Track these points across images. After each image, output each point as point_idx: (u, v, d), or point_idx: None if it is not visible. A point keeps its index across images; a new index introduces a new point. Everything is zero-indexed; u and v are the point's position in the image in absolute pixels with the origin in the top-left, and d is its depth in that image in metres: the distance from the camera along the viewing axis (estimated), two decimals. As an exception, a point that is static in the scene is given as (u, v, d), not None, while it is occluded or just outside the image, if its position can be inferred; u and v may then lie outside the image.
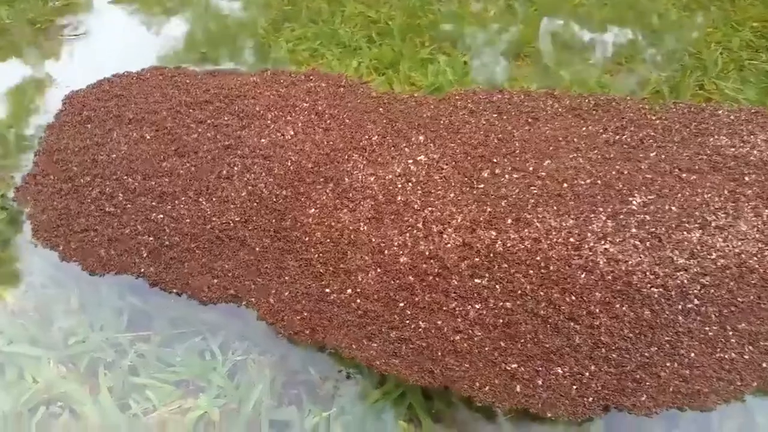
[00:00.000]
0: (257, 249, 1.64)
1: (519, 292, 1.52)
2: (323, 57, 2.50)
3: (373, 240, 1.64)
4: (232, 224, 1.70)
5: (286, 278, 1.57)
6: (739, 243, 1.66)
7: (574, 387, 1.35)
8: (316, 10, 2.80)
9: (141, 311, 1.59)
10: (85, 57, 2.57)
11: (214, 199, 1.76)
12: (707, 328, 1.46)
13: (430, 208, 1.74)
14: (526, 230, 1.66)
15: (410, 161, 1.89)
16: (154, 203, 1.77)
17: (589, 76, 2.41)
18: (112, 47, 2.60)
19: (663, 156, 1.93)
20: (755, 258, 1.63)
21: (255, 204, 1.74)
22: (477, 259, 1.60)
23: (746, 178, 1.87)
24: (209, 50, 2.60)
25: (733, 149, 1.97)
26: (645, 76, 2.41)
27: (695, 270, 1.58)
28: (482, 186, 1.80)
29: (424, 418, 1.38)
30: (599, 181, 1.81)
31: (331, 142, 1.95)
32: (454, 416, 1.39)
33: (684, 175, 1.87)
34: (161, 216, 1.73)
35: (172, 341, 1.54)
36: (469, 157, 1.90)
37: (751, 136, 2.03)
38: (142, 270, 1.61)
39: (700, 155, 1.95)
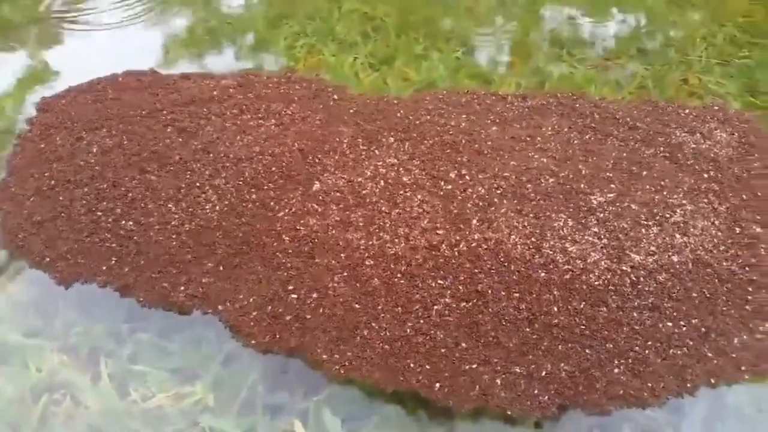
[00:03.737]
0: (226, 255, 1.68)
1: (481, 292, 1.57)
2: (320, 53, 2.54)
3: (341, 243, 1.68)
4: (200, 230, 1.73)
5: (254, 284, 1.61)
6: (696, 239, 1.72)
7: (532, 385, 1.40)
8: (313, 6, 2.83)
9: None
10: (82, 55, 2.58)
11: (183, 204, 1.79)
12: (661, 325, 1.51)
13: (397, 210, 1.78)
14: (489, 231, 1.71)
15: (380, 163, 1.93)
16: (123, 210, 1.79)
17: (576, 72, 2.45)
18: (109, 44, 2.63)
19: (625, 154, 1.98)
20: (711, 254, 1.69)
21: (225, 209, 1.78)
22: (441, 260, 1.64)
23: (705, 175, 1.92)
24: (205, 47, 2.64)
25: (694, 146, 2.03)
26: (631, 71, 2.46)
27: (652, 267, 1.63)
28: (449, 187, 1.84)
29: (409, 399, 1.45)
30: (561, 181, 1.86)
31: (303, 146, 1.98)
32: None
33: (645, 172, 1.92)
34: (130, 223, 1.76)
35: (169, 331, 1.60)
36: (437, 159, 1.94)
37: (712, 133, 2.08)
38: (110, 279, 1.64)
39: (663, 153, 2.00)
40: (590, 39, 2.67)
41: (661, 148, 2.02)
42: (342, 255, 1.66)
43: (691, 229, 1.74)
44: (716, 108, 2.21)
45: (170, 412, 1.46)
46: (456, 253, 1.65)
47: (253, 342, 1.50)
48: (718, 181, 1.90)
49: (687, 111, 2.18)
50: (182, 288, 1.61)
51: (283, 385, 1.50)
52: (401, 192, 1.83)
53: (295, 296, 1.57)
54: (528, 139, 2.02)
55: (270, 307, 1.56)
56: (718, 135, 2.08)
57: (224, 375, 1.53)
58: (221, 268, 1.65)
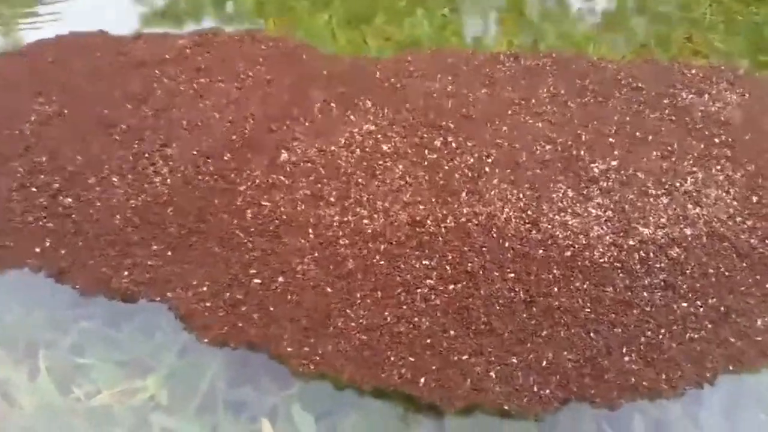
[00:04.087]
0: (177, 234, 1.46)
1: (471, 273, 1.37)
2: (292, 10, 2.32)
3: (311, 220, 1.48)
4: (148, 206, 1.52)
5: (210, 268, 1.40)
6: (710, 209, 1.53)
7: (531, 378, 1.21)
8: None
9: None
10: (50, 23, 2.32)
11: (130, 177, 1.57)
12: (675, 306, 1.33)
13: (376, 183, 1.58)
14: (480, 204, 1.51)
15: (356, 130, 1.72)
16: (61, 185, 1.57)
17: (576, 30, 2.25)
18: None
19: (628, 118, 1.79)
20: (727, 225, 1.50)
21: (178, 183, 1.56)
22: (426, 238, 1.45)
23: (716, 140, 1.74)
24: (171, 6, 2.40)
25: (702, 108, 1.84)
26: (633, 30, 2.26)
27: (662, 241, 1.45)
28: (434, 156, 1.65)
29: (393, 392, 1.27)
30: (560, 148, 1.67)
31: (270, 111, 1.77)
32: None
33: (651, 137, 1.73)
34: (69, 199, 1.54)
35: (118, 318, 1.40)
36: (420, 125, 1.74)
37: (721, 95, 1.89)
38: (44, 263, 1.42)
39: (669, 116, 1.81)
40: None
41: (667, 111, 1.83)
42: (312, 233, 1.45)
43: (704, 199, 1.56)
44: (724, 68, 2.02)
45: (118, 411, 1.28)
46: (443, 230, 1.45)
47: (207, 336, 1.29)
48: (730, 146, 1.72)
49: (693, 71, 1.99)
50: (126, 273, 1.39)
51: (248, 379, 1.31)
52: (380, 162, 1.62)
53: (258, 281, 1.37)
54: (521, 102, 1.82)
55: (228, 294, 1.35)
56: (728, 96, 1.89)
57: (179, 368, 1.33)
58: (171, 250, 1.44)
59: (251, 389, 1.30)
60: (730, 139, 1.74)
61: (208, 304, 1.33)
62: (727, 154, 1.70)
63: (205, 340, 1.28)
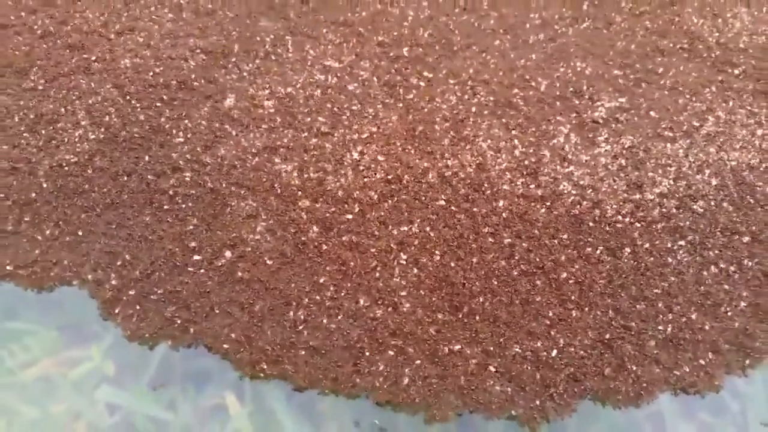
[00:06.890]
0: (98, 202, 1.18)
1: (460, 239, 1.12)
2: None
3: (265, 179, 1.20)
4: (65, 167, 1.22)
5: (138, 241, 1.13)
6: (736, 153, 1.30)
7: (538, 373, 0.98)
8: None
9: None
10: None
11: (44, 133, 1.26)
12: (705, 273, 1.11)
13: (342, 131, 1.31)
14: (467, 153, 1.26)
15: (317, 68, 1.43)
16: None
17: None
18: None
19: (633, 46, 1.54)
20: (757, 171, 1.28)
21: (101, 137, 1.26)
22: (404, 197, 1.19)
23: (736, 70, 1.50)
24: None
25: (717, 34, 1.59)
26: None
27: (684, 193, 1.22)
28: (411, 97, 1.39)
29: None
30: (558, 83, 1.41)
31: (211, 49, 1.47)
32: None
33: (661, 69, 1.48)
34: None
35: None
36: (393, 60, 1.47)
37: (739, 16, 1.64)
38: None
39: (679, 43, 1.56)
40: None
41: (677, 37, 1.57)
42: (267, 195, 1.18)
43: (729, 141, 1.33)
44: (737, -12, 1.75)
45: (59, 385, 1.07)
46: (423, 186, 1.20)
47: (133, 334, 1.03)
48: (752, 77, 1.47)
49: (704, -9, 1.72)
50: (37, 252, 1.11)
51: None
52: (345, 105, 1.36)
53: (197, 258, 1.10)
54: (508, 29, 1.54)
55: (160, 276, 1.08)
56: (743, 19, 1.63)
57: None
58: (90, 221, 1.15)
59: (214, 359, 1.08)
60: (752, 69, 1.50)
61: (133, 291, 1.06)
62: (749, 86, 1.46)
63: (132, 339, 1.02)
